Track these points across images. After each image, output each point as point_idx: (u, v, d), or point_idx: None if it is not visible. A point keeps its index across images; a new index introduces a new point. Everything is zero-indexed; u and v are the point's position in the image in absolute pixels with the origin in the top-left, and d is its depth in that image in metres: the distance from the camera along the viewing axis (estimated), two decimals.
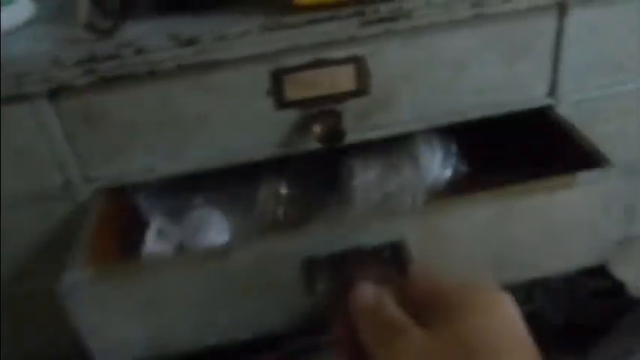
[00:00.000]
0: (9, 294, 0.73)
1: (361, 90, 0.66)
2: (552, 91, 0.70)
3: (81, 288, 0.55)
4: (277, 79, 0.64)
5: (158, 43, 0.59)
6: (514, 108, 0.71)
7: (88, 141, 0.65)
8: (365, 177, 0.76)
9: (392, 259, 0.55)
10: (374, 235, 0.55)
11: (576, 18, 0.66)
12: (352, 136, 0.68)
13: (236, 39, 0.59)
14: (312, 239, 0.55)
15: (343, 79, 0.65)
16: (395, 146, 0.76)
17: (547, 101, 0.71)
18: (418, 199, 0.74)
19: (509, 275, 0.60)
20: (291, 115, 0.66)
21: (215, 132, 0.66)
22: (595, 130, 0.71)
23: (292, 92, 0.65)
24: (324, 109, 0.66)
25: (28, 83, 0.59)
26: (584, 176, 0.59)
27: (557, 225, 0.59)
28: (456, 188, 0.76)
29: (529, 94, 0.70)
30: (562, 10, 0.65)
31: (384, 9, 0.60)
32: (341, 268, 0.54)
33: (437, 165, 0.77)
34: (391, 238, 0.55)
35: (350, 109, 0.67)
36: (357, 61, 0.64)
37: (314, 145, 0.68)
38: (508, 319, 0.40)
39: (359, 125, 0.68)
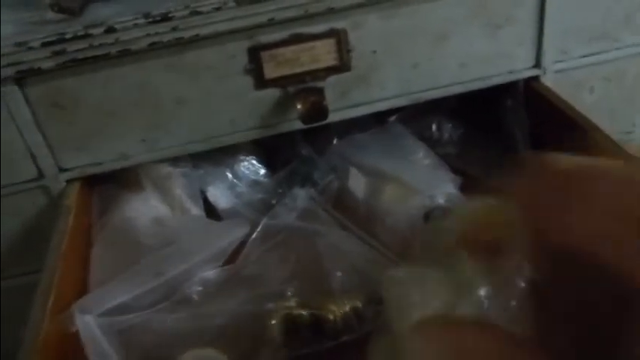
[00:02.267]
0: None
1: (342, 65, 0.64)
2: (537, 61, 0.68)
3: None
4: (255, 56, 0.61)
5: (129, 20, 0.56)
6: (498, 81, 0.69)
7: (59, 128, 0.62)
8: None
9: None
10: None
11: None
12: (334, 115, 0.66)
13: (211, 13, 0.57)
14: None
15: (323, 54, 0.63)
16: None
17: (532, 72, 0.69)
18: None
19: None
20: (272, 94, 0.64)
21: (193, 114, 0.63)
22: (580, 101, 0.70)
23: (271, 70, 0.62)
24: (305, 87, 0.63)
25: None
26: None
27: None
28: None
29: (513, 66, 0.68)
30: None
31: None
32: None
33: None
34: None
35: (331, 85, 0.64)
36: (337, 35, 0.62)
37: (297, 125, 0.66)
38: None
39: (341, 103, 0.66)
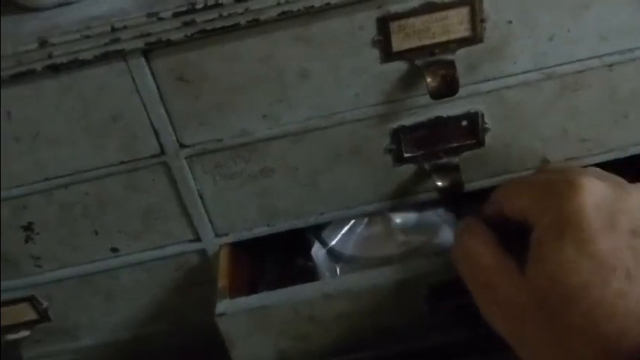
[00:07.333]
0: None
1: (474, 37, 0.60)
2: None
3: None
4: (384, 27, 0.58)
5: None
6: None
7: (183, 103, 0.61)
8: None
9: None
10: None
11: None
12: (463, 90, 0.62)
13: None
14: None
15: (455, 24, 0.59)
16: None
17: None
18: None
19: None
20: (399, 68, 0.61)
21: (316, 89, 0.61)
22: None
23: (400, 42, 0.59)
24: (435, 60, 0.60)
25: (123, 40, 0.56)
26: None
27: None
28: None
29: None
30: None
31: None
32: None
33: None
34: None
35: (460, 58, 0.61)
36: (472, 3, 0.58)
37: (422, 100, 0.62)
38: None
39: (469, 77, 0.63)
